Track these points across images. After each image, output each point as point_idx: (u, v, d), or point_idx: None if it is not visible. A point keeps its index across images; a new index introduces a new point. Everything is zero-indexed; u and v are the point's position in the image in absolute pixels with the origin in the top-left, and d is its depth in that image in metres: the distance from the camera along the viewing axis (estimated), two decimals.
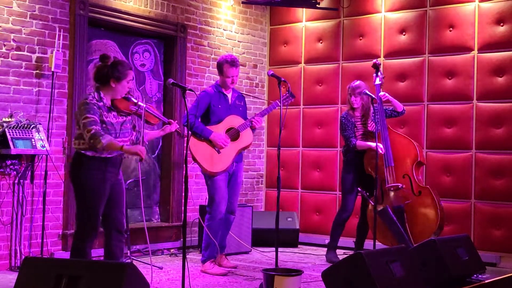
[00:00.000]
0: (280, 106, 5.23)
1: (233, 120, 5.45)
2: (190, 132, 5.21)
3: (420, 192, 5.72)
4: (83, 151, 4.16)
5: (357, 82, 5.96)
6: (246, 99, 5.86)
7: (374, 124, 5.89)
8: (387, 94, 5.96)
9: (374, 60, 6.16)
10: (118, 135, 4.22)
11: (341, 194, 6.11)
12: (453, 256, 4.57)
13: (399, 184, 5.73)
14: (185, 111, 5.30)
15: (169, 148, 6.68)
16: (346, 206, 5.96)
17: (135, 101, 4.29)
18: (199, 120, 5.41)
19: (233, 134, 5.40)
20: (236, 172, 5.52)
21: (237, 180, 5.54)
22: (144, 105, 4.31)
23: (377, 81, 6.02)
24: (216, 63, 5.56)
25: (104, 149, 4.09)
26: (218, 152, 5.32)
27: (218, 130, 5.35)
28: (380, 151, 5.70)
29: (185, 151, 4.22)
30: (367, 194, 5.64)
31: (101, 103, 4.18)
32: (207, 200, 5.52)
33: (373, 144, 5.64)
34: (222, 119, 5.40)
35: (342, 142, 6.30)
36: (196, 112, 5.32)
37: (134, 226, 6.15)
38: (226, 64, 5.39)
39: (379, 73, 6.06)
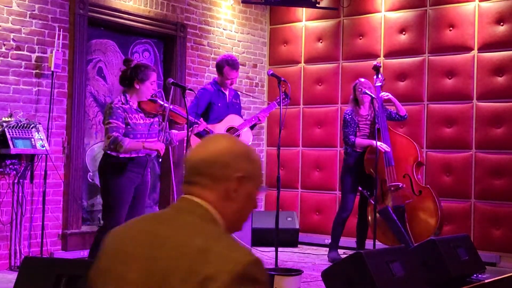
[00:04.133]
0: (280, 107, 5.26)
1: (233, 120, 5.50)
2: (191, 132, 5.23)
3: (420, 191, 5.73)
4: (108, 152, 4.31)
5: (363, 79, 5.97)
6: (245, 98, 5.87)
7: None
8: (390, 95, 5.96)
9: (375, 63, 6.17)
10: (147, 136, 4.37)
11: (341, 194, 6.10)
12: (453, 256, 4.56)
13: (399, 183, 5.73)
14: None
15: (168, 148, 6.67)
16: (346, 205, 5.95)
17: (161, 103, 4.46)
18: (201, 118, 5.42)
19: (234, 133, 5.43)
20: None
21: None
22: (170, 106, 4.49)
23: (378, 83, 6.04)
24: (215, 62, 5.58)
25: (126, 151, 4.24)
26: None
27: (218, 129, 5.38)
28: (382, 150, 5.70)
29: (185, 151, 4.23)
30: (368, 193, 5.64)
31: (127, 106, 4.33)
32: None
33: (374, 142, 5.64)
34: (221, 117, 5.45)
35: (342, 142, 6.25)
36: (197, 110, 5.35)
37: None
38: (227, 67, 5.44)
39: (379, 75, 6.07)
